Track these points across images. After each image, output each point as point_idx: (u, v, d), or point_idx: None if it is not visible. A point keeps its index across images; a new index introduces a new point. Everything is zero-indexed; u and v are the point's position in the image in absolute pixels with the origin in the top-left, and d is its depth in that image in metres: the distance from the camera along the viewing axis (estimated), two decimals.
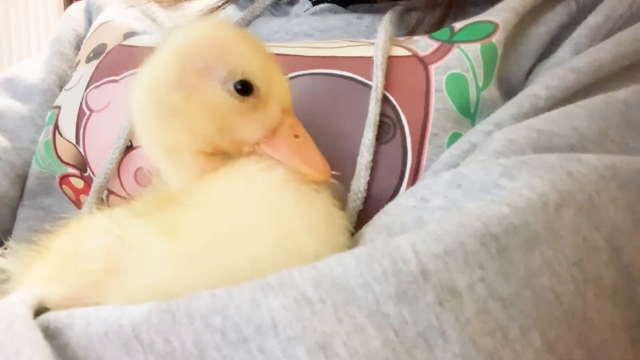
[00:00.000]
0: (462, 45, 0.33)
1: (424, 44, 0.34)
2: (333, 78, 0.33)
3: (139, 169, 0.38)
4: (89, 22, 0.53)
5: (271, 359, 0.20)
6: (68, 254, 0.30)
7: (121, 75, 0.39)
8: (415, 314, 0.20)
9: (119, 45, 0.41)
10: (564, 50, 0.33)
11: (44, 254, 0.33)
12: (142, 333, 0.22)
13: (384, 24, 0.37)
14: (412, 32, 0.39)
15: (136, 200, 0.35)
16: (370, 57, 0.34)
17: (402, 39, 0.36)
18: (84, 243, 0.29)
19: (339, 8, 0.44)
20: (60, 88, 0.50)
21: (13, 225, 0.46)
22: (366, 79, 0.33)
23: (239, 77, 0.26)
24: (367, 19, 0.42)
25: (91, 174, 0.40)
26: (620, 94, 0.29)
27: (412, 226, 0.25)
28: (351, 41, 0.37)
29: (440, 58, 0.33)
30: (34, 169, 0.44)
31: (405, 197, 0.27)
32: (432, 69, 0.33)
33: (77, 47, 0.53)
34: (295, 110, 0.31)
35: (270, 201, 0.26)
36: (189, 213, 0.26)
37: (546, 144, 0.27)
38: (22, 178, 0.47)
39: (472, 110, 0.33)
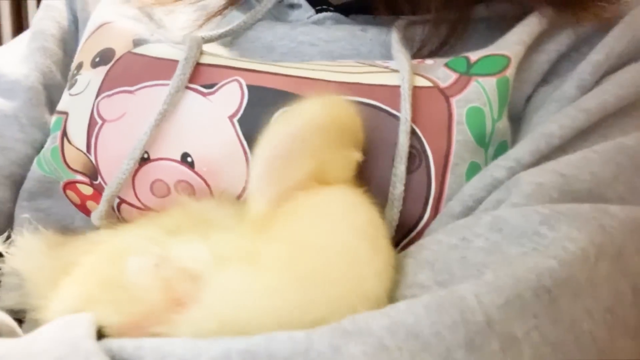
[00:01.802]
0: (480, 79, 0.36)
1: (443, 75, 0.36)
2: (361, 106, 0.35)
3: (156, 180, 0.38)
4: (72, 13, 0.52)
5: None
6: (110, 278, 0.30)
7: (136, 87, 0.39)
8: (480, 355, 0.23)
9: (129, 53, 0.41)
10: (570, 85, 0.36)
11: (74, 272, 0.33)
12: None
13: (398, 48, 0.39)
14: (419, 50, 0.41)
15: (160, 215, 0.36)
16: (395, 87, 0.35)
17: (416, 62, 0.38)
18: (136, 269, 0.29)
19: (342, 17, 0.45)
20: (44, 85, 0.49)
21: (8, 228, 0.45)
22: (393, 109, 0.35)
23: None
24: (371, 31, 0.43)
25: (102, 183, 0.40)
26: (629, 141, 0.32)
27: (456, 265, 0.28)
28: (369, 65, 0.38)
29: (460, 91, 0.35)
30: (36, 172, 0.44)
31: (445, 235, 0.30)
32: (454, 102, 0.35)
33: (62, 40, 0.52)
34: None
35: (350, 245, 0.27)
36: (273, 247, 0.27)
37: (569, 188, 0.30)
38: (9, 179, 0.46)
39: (487, 140, 0.35)
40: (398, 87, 0.35)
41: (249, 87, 0.37)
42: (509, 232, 0.28)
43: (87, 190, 0.41)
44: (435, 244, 0.30)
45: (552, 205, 0.28)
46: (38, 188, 0.44)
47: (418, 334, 0.23)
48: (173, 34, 0.46)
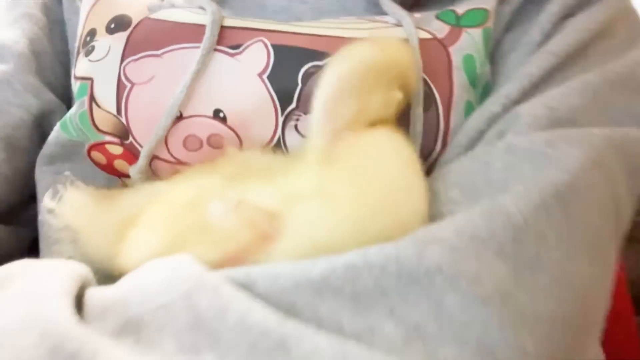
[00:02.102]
0: (468, 30, 0.42)
1: (438, 27, 0.43)
2: None
3: (189, 136, 0.42)
4: None
5: (439, 292, 0.29)
6: (192, 223, 0.34)
7: (162, 50, 0.42)
8: (524, 249, 0.31)
9: (148, 18, 0.43)
10: (535, 32, 0.44)
11: (143, 221, 0.37)
12: (332, 281, 0.29)
13: (390, 4, 0.45)
14: (402, 4, 0.47)
15: (212, 166, 0.40)
16: (404, 40, 0.41)
17: (419, 15, 0.44)
18: (219, 213, 0.34)
19: None
20: (32, 51, 0.51)
21: (5, 188, 0.47)
22: None
23: None
24: None
25: (133, 141, 0.43)
26: (592, 77, 0.40)
27: (482, 184, 0.35)
28: (371, 21, 0.44)
29: (455, 41, 0.42)
30: (60, 137, 0.46)
31: (468, 160, 0.37)
32: (451, 50, 0.42)
33: (44, 6, 0.53)
34: None
35: (401, 175, 0.33)
36: (338, 180, 0.33)
37: (555, 117, 0.37)
38: (4, 141, 0.48)
39: (477, 82, 0.42)
40: (404, 40, 0.41)
41: (274, 46, 0.41)
42: (521, 154, 0.35)
43: (117, 149, 0.44)
44: (461, 168, 0.37)
45: (550, 131, 0.36)
46: (58, 152, 0.46)
47: (478, 236, 0.30)
48: None
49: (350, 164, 0.33)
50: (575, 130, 0.36)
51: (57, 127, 0.46)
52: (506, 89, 0.41)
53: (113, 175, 0.46)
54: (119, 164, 0.45)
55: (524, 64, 0.42)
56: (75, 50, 0.47)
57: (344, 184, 0.33)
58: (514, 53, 0.44)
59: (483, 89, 0.43)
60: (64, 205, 0.40)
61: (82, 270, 0.33)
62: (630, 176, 0.37)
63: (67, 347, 0.26)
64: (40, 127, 0.50)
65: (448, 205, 0.35)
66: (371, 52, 0.36)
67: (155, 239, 0.35)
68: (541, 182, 0.33)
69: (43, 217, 0.45)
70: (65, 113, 0.50)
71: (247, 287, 0.30)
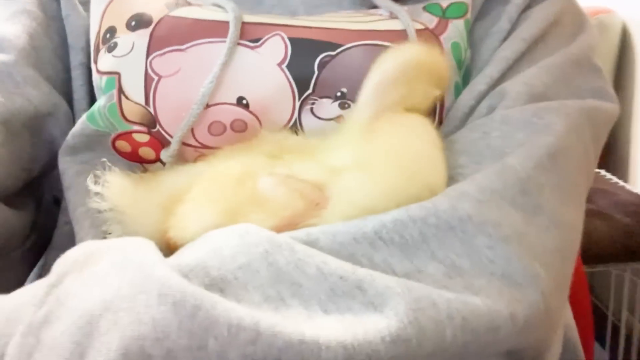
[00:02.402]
0: (453, 21, 0.50)
1: (427, 19, 0.49)
2: (381, 48, 0.46)
3: (214, 122, 0.46)
4: None
5: (470, 236, 0.36)
6: (246, 195, 0.39)
7: (186, 45, 0.46)
8: (530, 199, 0.38)
9: (168, 16, 0.47)
10: (504, 21, 0.51)
11: (193, 198, 0.41)
12: (383, 234, 0.35)
13: (396, 7, 0.51)
14: None
15: (249, 146, 0.45)
16: (400, 31, 0.47)
17: (405, 7, 0.50)
18: (270, 186, 0.39)
19: None
20: (32, 47, 0.53)
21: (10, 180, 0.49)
22: None
23: None
24: None
25: (160, 129, 0.47)
26: (555, 59, 0.48)
27: (484, 150, 0.42)
28: (369, 15, 0.50)
29: (443, 31, 0.49)
30: (86, 128, 0.48)
31: (469, 131, 0.44)
32: (442, 39, 0.49)
33: (40, 4, 0.55)
34: (358, 75, 0.44)
35: (430, 150, 0.39)
36: (377, 153, 0.38)
37: (533, 92, 0.45)
38: (4, 126, 0.49)
39: (462, 65, 0.50)
40: (402, 31, 0.47)
41: (290, 39, 0.46)
42: (514, 123, 0.43)
43: (143, 138, 0.47)
44: (464, 138, 0.44)
45: (533, 104, 0.44)
46: (82, 142, 0.49)
47: (496, 190, 0.38)
48: None
49: (386, 140, 0.39)
50: (554, 103, 0.44)
51: (83, 119, 0.49)
52: (489, 70, 0.48)
53: (136, 162, 0.49)
54: (144, 151, 0.48)
55: (499, 49, 0.50)
56: (93, 47, 0.50)
57: (380, 156, 0.39)
58: (488, 40, 0.52)
59: (465, 73, 0.51)
60: (109, 188, 0.43)
61: (153, 244, 0.37)
62: (594, 138, 0.46)
63: (188, 302, 0.30)
64: (38, 118, 0.51)
65: (457, 169, 0.42)
66: (421, 52, 0.42)
67: (210, 212, 0.39)
68: (535, 145, 0.41)
69: (76, 202, 0.48)
70: (62, 105, 0.53)
71: (310, 244, 0.35)
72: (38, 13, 0.54)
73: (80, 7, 0.54)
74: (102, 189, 0.43)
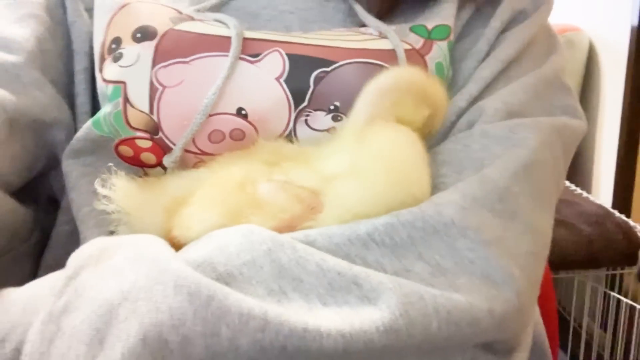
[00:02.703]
0: (438, 42, 0.54)
1: (414, 39, 0.53)
2: (372, 66, 0.50)
3: (214, 130, 0.49)
4: None
5: (453, 239, 0.40)
6: (246, 199, 0.42)
7: (190, 58, 0.49)
8: (507, 206, 0.42)
9: (173, 30, 0.50)
10: (482, 43, 0.55)
11: (197, 201, 0.44)
12: (375, 236, 0.39)
13: (371, 19, 0.55)
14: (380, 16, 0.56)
15: (248, 154, 0.48)
16: (389, 50, 0.51)
17: (393, 27, 0.54)
18: (269, 191, 0.42)
19: None
20: (40, 50, 0.55)
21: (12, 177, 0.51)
22: (393, 66, 0.51)
23: None
24: (333, 2, 0.57)
25: (163, 136, 0.50)
26: (528, 79, 0.53)
27: (465, 161, 0.46)
28: (360, 33, 0.54)
29: (428, 51, 0.53)
30: (91, 133, 0.51)
31: (452, 143, 0.48)
32: (427, 59, 0.53)
33: (47, 8, 0.57)
34: (350, 90, 0.48)
35: (417, 160, 0.43)
36: (367, 160, 0.42)
37: (509, 110, 0.50)
38: (9, 122, 0.50)
39: (444, 83, 0.54)
40: (392, 50, 0.51)
41: (288, 55, 0.50)
42: (492, 137, 0.47)
43: (146, 143, 0.50)
44: (446, 150, 0.48)
45: (509, 120, 0.48)
46: (84, 147, 0.51)
47: (477, 198, 0.42)
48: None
49: (375, 150, 0.43)
50: (528, 119, 0.48)
51: (88, 124, 0.51)
52: (468, 88, 0.52)
53: (137, 166, 0.52)
54: (146, 156, 0.51)
55: (477, 68, 0.54)
56: (98, 55, 0.52)
57: (370, 166, 0.42)
58: (467, 60, 0.56)
59: (447, 90, 0.55)
60: (115, 191, 0.46)
61: (163, 241, 0.40)
62: (564, 152, 0.50)
63: (203, 292, 0.33)
64: (42, 119, 0.53)
65: (440, 179, 0.46)
66: (415, 73, 0.46)
67: (214, 214, 0.42)
68: (512, 157, 0.45)
69: (80, 202, 0.50)
70: (64, 108, 0.55)
71: (309, 244, 0.39)
72: (45, 18, 0.56)
73: (85, 14, 0.57)
74: (109, 192, 0.46)
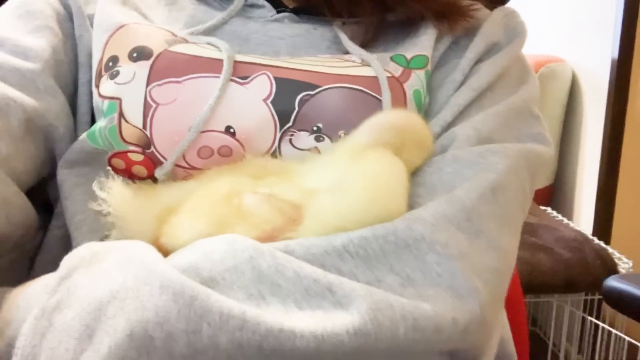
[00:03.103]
0: (416, 71, 0.57)
1: (393, 68, 0.57)
2: (354, 91, 0.53)
3: (203, 146, 0.52)
4: (64, 4, 0.60)
5: (423, 253, 0.42)
6: (232, 210, 0.45)
7: (183, 78, 0.52)
8: (473, 225, 0.45)
9: (167, 51, 0.53)
10: (457, 73, 0.59)
11: (185, 210, 0.47)
12: (350, 248, 0.42)
13: (354, 46, 0.58)
14: (363, 45, 0.60)
15: (235, 168, 0.51)
16: (372, 77, 0.55)
17: (375, 56, 0.58)
18: (254, 203, 0.45)
19: (295, 17, 0.62)
20: (55, 61, 0.57)
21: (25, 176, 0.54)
22: (375, 93, 0.54)
23: None
24: (320, 29, 0.61)
25: (154, 151, 0.52)
26: (500, 107, 0.56)
27: (437, 183, 0.49)
28: (344, 60, 0.57)
29: (407, 79, 0.56)
30: (85, 146, 0.53)
31: (426, 166, 0.51)
32: (405, 86, 0.56)
33: (58, 22, 0.60)
34: (333, 113, 0.51)
35: (397, 180, 0.46)
36: (351, 178, 0.45)
37: (480, 136, 0.53)
38: (27, 123, 0.53)
39: (421, 110, 0.57)
40: (374, 77, 0.55)
41: (275, 78, 0.53)
42: (463, 162, 0.50)
43: (138, 157, 0.53)
44: (421, 172, 0.51)
45: (479, 146, 0.51)
46: (79, 158, 0.54)
47: (445, 216, 0.45)
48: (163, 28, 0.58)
49: (356, 170, 0.46)
50: (497, 145, 0.52)
51: (82, 137, 0.54)
52: (443, 115, 0.56)
53: (128, 178, 0.55)
54: (137, 169, 0.54)
55: (452, 97, 0.58)
56: (95, 72, 0.55)
57: (350, 183, 0.45)
58: (443, 88, 0.60)
59: (424, 116, 0.58)
60: (110, 194, 0.49)
61: (151, 247, 0.42)
62: (531, 177, 0.54)
63: (187, 293, 0.36)
64: (53, 126, 0.56)
65: (415, 198, 0.49)
66: (417, 118, 0.51)
67: (201, 223, 0.45)
68: (480, 180, 0.48)
69: (74, 210, 0.53)
70: (70, 117, 0.58)
71: (288, 254, 0.41)
72: (57, 30, 0.59)
73: (91, 30, 0.60)
74: (106, 194, 0.48)
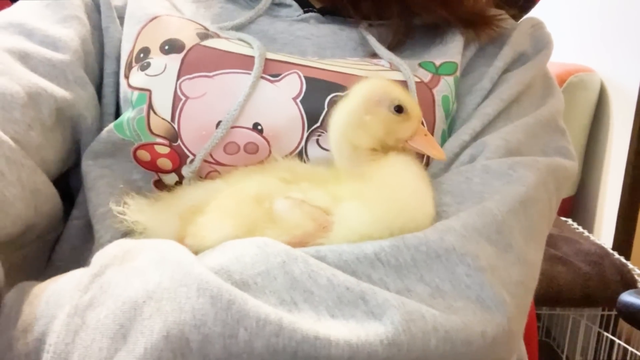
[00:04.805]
0: (445, 77, 0.57)
1: (422, 74, 0.56)
2: None
3: (229, 142, 0.52)
4: None
5: (453, 264, 0.42)
6: (262, 214, 0.44)
7: (214, 73, 0.52)
8: (502, 237, 0.45)
9: (199, 45, 0.53)
10: (486, 81, 0.59)
11: (212, 213, 0.46)
12: (381, 256, 0.41)
13: (384, 50, 0.58)
14: (390, 48, 0.60)
15: (264, 169, 0.50)
16: (402, 82, 0.54)
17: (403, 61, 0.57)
18: (285, 208, 0.44)
19: (321, 17, 0.62)
20: (84, 51, 0.57)
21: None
22: None
23: (396, 103, 0.46)
24: (346, 30, 0.61)
25: (181, 144, 0.52)
26: (530, 119, 0.56)
27: (466, 193, 0.48)
28: (374, 64, 0.57)
29: (436, 85, 0.56)
30: (112, 136, 0.53)
31: (454, 175, 0.51)
32: (434, 91, 0.55)
33: (86, 13, 0.60)
34: None
35: (421, 187, 0.45)
36: (374, 188, 0.44)
37: (509, 147, 0.52)
38: (57, 112, 0.53)
39: (449, 115, 0.57)
40: (403, 81, 0.54)
41: (306, 77, 0.53)
42: (493, 173, 0.49)
43: (164, 150, 0.53)
44: (449, 181, 0.50)
45: (509, 158, 0.51)
46: (104, 149, 0.54)
47: (475, 227, 0.44)
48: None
49: (383, 178, 0.45)
50: (527, 158, 0.51)
51: (109, 127, 0.54)
52: (472, 123, 0.55)
53: (152, 171, 0.54)
54: (162, 162, 0.54)
55: (481, 105, 0.57)
56: (125, 62, 0.55)
57: (376, 192, 0.45)
58: (470, 96, 0.59)
59: (451, 122, 0.58)
60: (130, 209, 0.48)
61: (183, 246, 0.42)
62: (557, 191, 0.53)
63: (224, 297, 0.35)
64: (81, 117, 0.56)
65: (442, 207, 0.48)
66: (387, 83, 0.48)
67: (229, 225, 0.44)
68: (510, 193, 0.47)
69: (97, 203, 0.53)
70: (98, 108, 0.58)
71: (319, 259, 0.41)
72: (85, 21, 0.59)
73: (117, 21, 0.60)
74: (122, 209, 0.48)
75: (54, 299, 0.38)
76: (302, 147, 0.53)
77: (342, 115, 0.47)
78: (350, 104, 0.47)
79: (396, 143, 0.47)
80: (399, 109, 0.46)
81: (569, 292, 1.43)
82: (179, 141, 0.52)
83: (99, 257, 0.39)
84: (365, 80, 0.48)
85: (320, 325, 0.37)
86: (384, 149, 0.47)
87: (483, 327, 0.41)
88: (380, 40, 0.60)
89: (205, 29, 0.56)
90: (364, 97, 0.46)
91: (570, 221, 1.86)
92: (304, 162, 0.53)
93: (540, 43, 0.62)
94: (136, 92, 0.53)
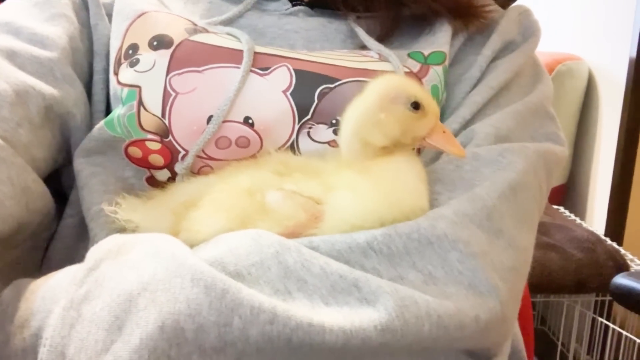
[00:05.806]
0: (434, 67, 0.57)
1: (411, 64, 0.57)
2: None
3: (221, 137, 0.52)
4: None
5: (445, 250, 0.42)
6: (255, 206, 0.44)
7: (203, 67, 0.52)
8: (493, 223, 0.45)
9: (188, 40, 0.53)
10: (475, 70, 0.59)
11: (207, 206, 0.46)
12: (374, 245, 0.41)
13: (373, 42, 0.58)
14: (379, 40, 0.60)
15: (257, 163, 0.51)
16: (392, 72, 0.54)
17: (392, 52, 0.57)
18: (277, 199, 0.44)
19: (310, 10, 0.62)
20: (71, 48, 0.57)
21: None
22: None
23: (412, 100, 0.45)
24: (335, 23, 0.61)
25: (172, 140, 0.52)
26: (519, 106, 0.56)
27: (457, 181, 0.49)
28: (362, 55, 0.57)
29: (425, 75, 0.56)
30: (103, 134, 0.53)
31: (445, 163, 0.51)
32: (424, 81, 0.56)
33: (74, 10, 0.60)
34: None
35: (415, 180, 0.45)
36: (370, 180, 0.44)
37: (498, 134, 0.53)
38: (46, 110, 0.53)
39: (439, 105, 0.57)
40: (392, 72, 0.54)
41: (295, 70, 0.53)
42: (482, 160, 0.50)
43: (155, 146, 0.53)
44: (440, 169, 0.51)
45: (499, 145, 0.51)
46: (96, 147, 0.54)
47: (466, 214, 0.44)
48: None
49: (380, 172, 0.45)
50: (516, 145, 0.52)
51: (100, 125, 0.54)
52: (461, 112, 0.56)
53: (144, 167, 0.54)
54: (154, 158, 0.54)
55: (470, 94, 0.57)
56: (114, 59, 0.55)
57: (372, 184, 0.45)
58: (459, 85, 0.59)
59: (441, 111, 0.58)
60: (122, 208, 0.49)
61: (177, 239, 0.42)
62: (547, 176, 0.53)
63: (218, 286, 0.36)
64: (70, 114, 0.56)
65: (433, 195, 0.49)
66: (404, 80, 0.48)
67: (223, 218, 0.45)
68: (500, 179, 0.48)
69: (90, 201, 0.53)
70: (87, 106, 0.58)
71: (312, 249, 0.41)
72: (73, 19, 0.59)
73: (106, 18, 0.60)
74: (114, 209, 0.49)
75: (50, 295, 0.38)
76: (293, 140, 0.53)
77: (356, 113, 0.47)
78: (364, 102, 0.46)
79: (413, 141, 0.47)
80: (415, 106, 0.45)
81: (563, 279, 1.44)
82: (170, 137, 0.52)
83: (94, 252, 0.39)
84: (381, 76, 0.48)
85: (314, 312, 0.37)
86: (396, 146, 0.47)
87: (476, 311, 0.41)
88: (369, 32, 0.60)
89: (194, 24, 0.56)
90: (379, 94, 0.46)
91: (562, 209, 1.87)
92: (296, 154, 0.53)
93: (528, 30, 0.63)
94: (126, 89, 0.53)
